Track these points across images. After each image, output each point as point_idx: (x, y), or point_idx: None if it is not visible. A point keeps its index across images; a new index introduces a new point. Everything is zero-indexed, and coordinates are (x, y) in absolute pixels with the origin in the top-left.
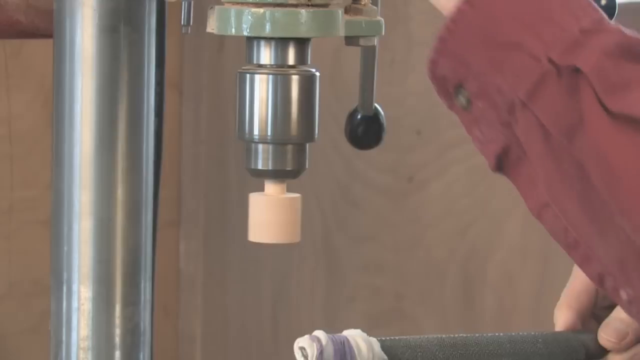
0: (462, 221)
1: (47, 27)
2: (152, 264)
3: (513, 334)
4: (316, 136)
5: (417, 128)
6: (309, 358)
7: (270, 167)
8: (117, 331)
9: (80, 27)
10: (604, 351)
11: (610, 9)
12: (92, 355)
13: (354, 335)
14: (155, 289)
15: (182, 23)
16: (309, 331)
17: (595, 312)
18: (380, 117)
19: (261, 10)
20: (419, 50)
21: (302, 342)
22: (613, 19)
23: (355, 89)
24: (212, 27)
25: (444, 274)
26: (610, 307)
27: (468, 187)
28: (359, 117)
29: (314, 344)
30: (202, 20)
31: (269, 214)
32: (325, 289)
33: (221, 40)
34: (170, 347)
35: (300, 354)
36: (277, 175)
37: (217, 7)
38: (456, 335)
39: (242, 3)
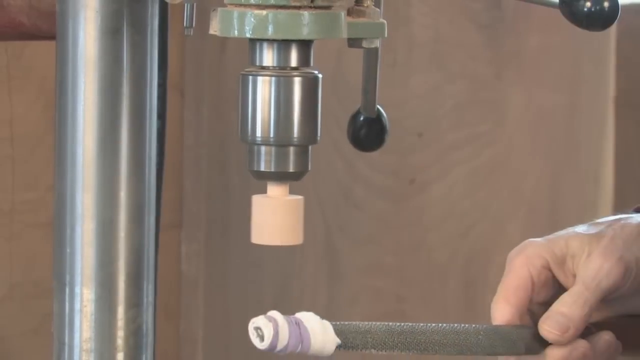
0: (464, 223)
1: (49, 29)
2: (155, 265)
3: (456, 325)
4: (319, 138)
5: (418, 130)
6: (265, 339)
7: (272, 169)
8: (120, 333)
9: (83, 29)
10: (543, 346)
11: (612, 11)
12: (94, 357)
13: (308, 318)
14: (157, 290)
15: (185, 25)
16: None
17: (530, 307)
18: (383, 119)
19: (264, 12)
20: (421, 52)
21: (257, 322)
22: (616, 21)
23: (358, 91)
24: (214, 29)
25: (446, 276)
26: (545, 303)
27: (469, 189)
28: (361, 118)
29: (270, 324)
30: (204, 22)
31: (271, 215)
32: (327, 290)
33: (223, 42)
34: (171, 349)
35: (255, 334)
36: (280, 177)
37: (219, 9)
38: (403, 323)
39: (244, 5)
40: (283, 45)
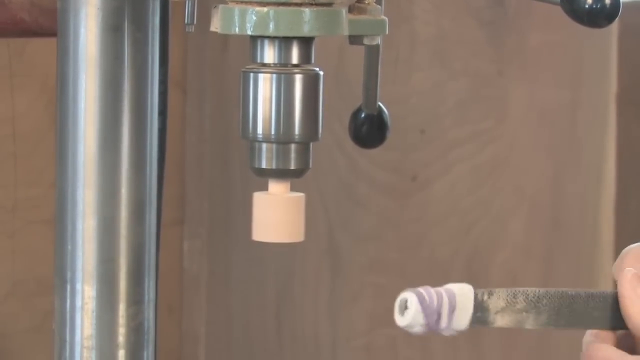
0: (466, 220)
1: (51, 26)
2: (156, 262)
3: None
4: (320, 135)
5: (420, 127)
6: (411, 308)
7: (274, 167)
8: (121, 330)
9: (84, 25)
10: None
11: (614, 8)
12: (95, 354)
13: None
14: (159, 287)
15: (186, 22)
16: (313, 330)
17: None
18: (384, 116)
19: (265, 9)
20: (423, 49)
21: (402, 295)
22: (617, 18)
23: (359, 88)
24: (215, 26)
25: (448, 273)
26: None
27: (472, 186)
28: (362, 115)
29: (413, 295)
30: (206, 19)
31: (272, 213)
32: (329, 287)
33: (225, 39)
34: (173, 346)
35: (402, 307)
36: (281, 174)
37: (220, 6)
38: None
39: (246, 2)
40: (284, 42)
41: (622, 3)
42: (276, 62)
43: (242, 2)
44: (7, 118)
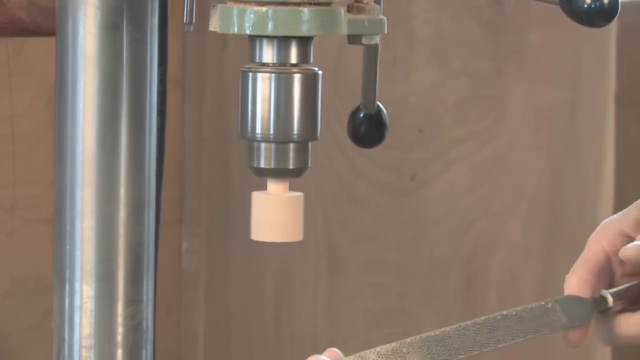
0: (465, 219)
1: (49, 25)
2: (155, 262)
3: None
4: (319, 135)
5: (419, 126)
6: None
7: (272, 166)
8: (120, 329)
9: (83, 25)
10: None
11: (612, 8)
12: (94, 354)
13: None
14: (157, 287)
15: (185, 21)
16: (311, 329)
17: (618, 282)
18: (383, 115)
19: (263, 8)
20: (421, 48)
21: None
22: (615, 17)
23: (358, 88)
24: (214, 25)
25: (447, 272)
26: (630, 275)
27: (470, 185)
28: (361, 115)
29: None
30: (205, 18)
31: (271, 212)
32: (328, 287)
33: (224, 38)
34: (172, 345)
35: None
36: (280, 174)
37: (219, 6)
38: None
39: (244, 2)
40: (283, 41)
41: (621, 3)
42: (275, 61)
43: (240, 2)
44: (6, 117)
